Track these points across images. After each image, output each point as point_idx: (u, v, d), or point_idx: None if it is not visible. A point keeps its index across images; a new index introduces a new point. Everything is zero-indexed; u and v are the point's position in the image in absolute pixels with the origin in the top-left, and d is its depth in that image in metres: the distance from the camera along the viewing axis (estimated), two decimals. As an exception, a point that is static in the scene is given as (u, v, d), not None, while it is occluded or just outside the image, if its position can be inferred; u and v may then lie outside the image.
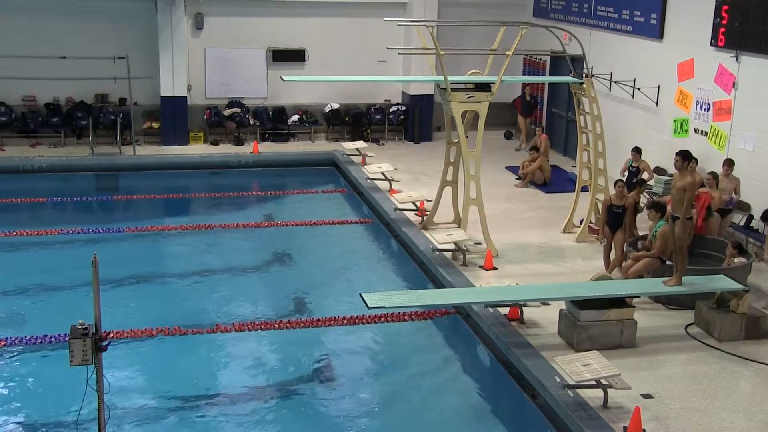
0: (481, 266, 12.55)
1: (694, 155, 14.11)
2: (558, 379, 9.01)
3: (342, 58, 20.76)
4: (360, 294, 9.93)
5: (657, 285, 10.90)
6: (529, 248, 13.59)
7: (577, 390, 8.79)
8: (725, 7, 13.81)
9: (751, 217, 13.35)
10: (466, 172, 13.17)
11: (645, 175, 14.59)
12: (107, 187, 18.11)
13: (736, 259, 11.48)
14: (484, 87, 13.11)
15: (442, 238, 12.86)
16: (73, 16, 19.54)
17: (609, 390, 8.59)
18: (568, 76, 14.38)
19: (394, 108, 21.56)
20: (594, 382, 8.61)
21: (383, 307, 10.05)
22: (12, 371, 9.83)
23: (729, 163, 13.32)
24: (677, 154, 10.51)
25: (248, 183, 18.53)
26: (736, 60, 13.72)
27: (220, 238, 14.71)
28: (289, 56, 20.99)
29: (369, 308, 9.81)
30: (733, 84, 13.83)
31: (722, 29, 13.92)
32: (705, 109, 14.61)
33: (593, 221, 14.02)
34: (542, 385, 9.03)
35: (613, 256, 12.42)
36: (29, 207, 16.48)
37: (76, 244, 13.98)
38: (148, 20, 19.74)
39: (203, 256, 13.85)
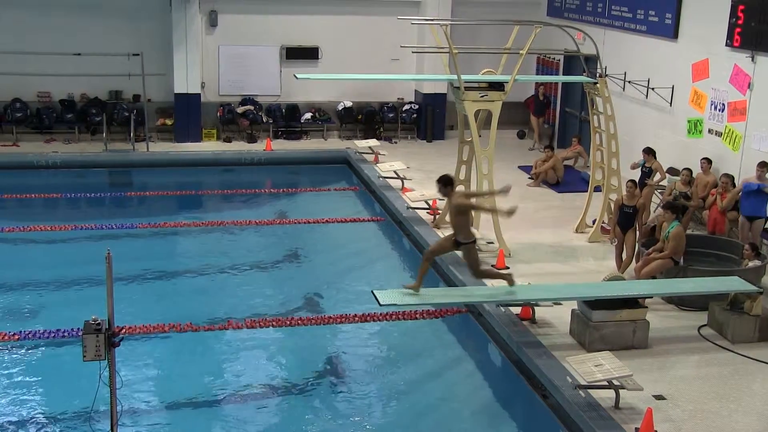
0: (493, 265, 12.53)
1: (709, 156, 14.15)
2: (569, 380, 8.99)
3: (355, 56, 20.77)
4: (372, 291, 9.93)
5: (670, 285, 10.87)
6: (542, 248, 13.56)
7: (589, 390, 8.77)
8: (741, 7, 13.73)
9: (766, 220, 13.25)
10: (479, 171, 13.15)
11: (657, 176, 14.51)
12: (120, 184, 18.18)
13: (750, 262, 11.41)
14: (498, 86, 13.08)
15: (454, 237, 12.83)
16: (87, 13, 19.63)
17: (621, 391, 8.57)
18: (582, 75, 14.33)
19: (407, 106, 21.55)
20: (606, 383, 8.59)
21: (395, 305, 10.02)
22: (25, 365, 9.88)
23: (762, 165, 12.60)
24: (437, 181, 9.79)
25: (261, 180, 18.56)
26: (752, 60, 13.64)
27: (233, 235, 14.74)
28: (302, 54, 21.01)
29: (381, 305, 9.79)
30: (749, 84, 13.74)
31: (738, 29, 13.83)
32: (720, 110, 14.53)
33: (606, 221, 13.98)
34: (554, 385, 9.01)
35: (624, 256, 12.38)
36: (43, 203, 16.55)
37: (90, 240, 14.05)
38: (162, 17, 19.81)
39: (215, 252, 13.88)
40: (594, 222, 14.17)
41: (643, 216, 12.99)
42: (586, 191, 14.59)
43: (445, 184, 9.84)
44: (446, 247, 10.21)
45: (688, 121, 15.39)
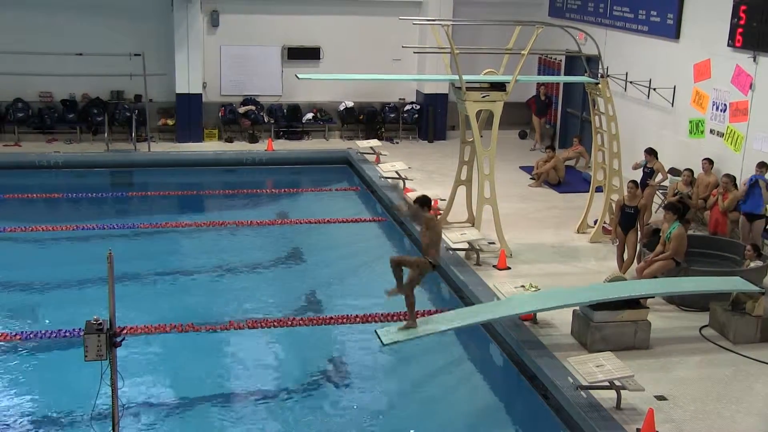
0: (494, 266, 12.54)
1: (710, 156, 14.14)
2: (571, 380, 8.99)
3: (357, 56, 20.77)
4: (375, 331, 9.78)
5: (672, 285, 10.85)
6: (543, 248, 13.56)
7: (590, 391, 8.76)
8: (743, 7, 13.72)
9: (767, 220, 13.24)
10: (480, 171, 13.15)
11: (659, 177, 14.51)
12: (122, 184, 18.19)
13: (752, 262, 11.40)
14: (499, 86, 13.08)
15: (455, 238, 12.85)
16: (89, 13, 19.65)
17: (622, 391, 8.57)
18: (584, 76, 14.33)
19: (408, 106, 21.55)
20: (607, 383, 8.59)
21: (397, 342, 9.61)
22: (27, 366, 9.89)
23: (761, 165, 12.77)
24: (415, 201, 9.59)
25: (262, 180, 18.57)
26: (754, 61, 13.63)
27: (234, 235, 14.75)
28: (304, 54, 21.02)
29: (384, 345, 9.48)
30: (751, 85, 13.73)
31: (740, 29, 13.83)
32: (721, 110, 14.52)
33: (607, 222, 13.97)
34: (555, 385, 9.01)
35: (626, 256, 12.37)
36: (45, 203, 16.59)
37: (91, 240, 14.06)
38: (164, 17, 19.82)
39: (217, 253, 13.88)
40: (595, 222, 14.16)
41: (644, 216, 12.99)
42: (588, 192, 14.59)
43: (422, 204, 9.63)
44: (422, 271, 9.66)
45: (690, 122, 15.39)
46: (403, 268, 9.76)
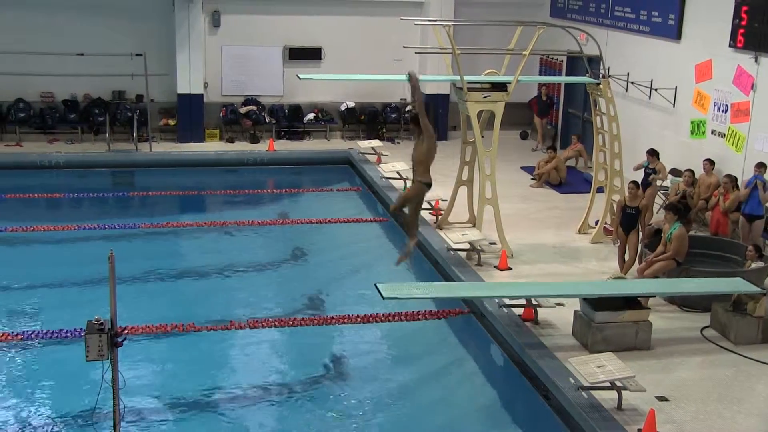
0: (495, 266, 12.54)
1: (712, 157, 14.13)
2: (572, 381, 8.98)
3: (358, 56, 20.76)
4: (375, 284, 9.88)
5: (673, 285, 10.85)
6: (544, 248, 13.56)
7: (591, 391, 8.76)
8: (744, 8, 13.71)
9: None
10: (482, 171, 13.15)
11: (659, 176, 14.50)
12: (123, 184, 18.19)
13: (753, 263, 11.39)
14: (501, 87, 13.08)
15: (456, 238, 12.85)
16: (90, 13, 19.65)
17: (623, 392, 8.57)
18: (585, 76, 14.32)
19: (409, 107, 21.54)
20: (608, 384, 8.59)
21: (397, 298, 9.94)
22: (28, 366, 9.90)
23: (760, 165, 12.79)
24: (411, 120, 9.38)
25: (263, 181, 18.57)
26: (756, 61, 13.62)
27: (235, 235, 14.75)
28: (305, 54, 21.02)
29: (384, 298, 9.73)
30: (752, 85, 13.72)
31: (741, 30, 13.81)
32: (723, 111, 14.51)
33: (608, 222, 13.97)
34: (556, 386, 9.00)
35: (627, 257, 12.36)
36: (46, 203, 16.59)
37: (93, 240, 14.06)
38: (165, 17, 19.83)
39: (218, 253, 13.89)
40: (597, 223, 14.15)
41: (645, 217, 12.98)
42: (589, 192, 14.59)
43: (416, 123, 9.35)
44: (420, 196, 9.49)
45: (691, 122, 15.37)
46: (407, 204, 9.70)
